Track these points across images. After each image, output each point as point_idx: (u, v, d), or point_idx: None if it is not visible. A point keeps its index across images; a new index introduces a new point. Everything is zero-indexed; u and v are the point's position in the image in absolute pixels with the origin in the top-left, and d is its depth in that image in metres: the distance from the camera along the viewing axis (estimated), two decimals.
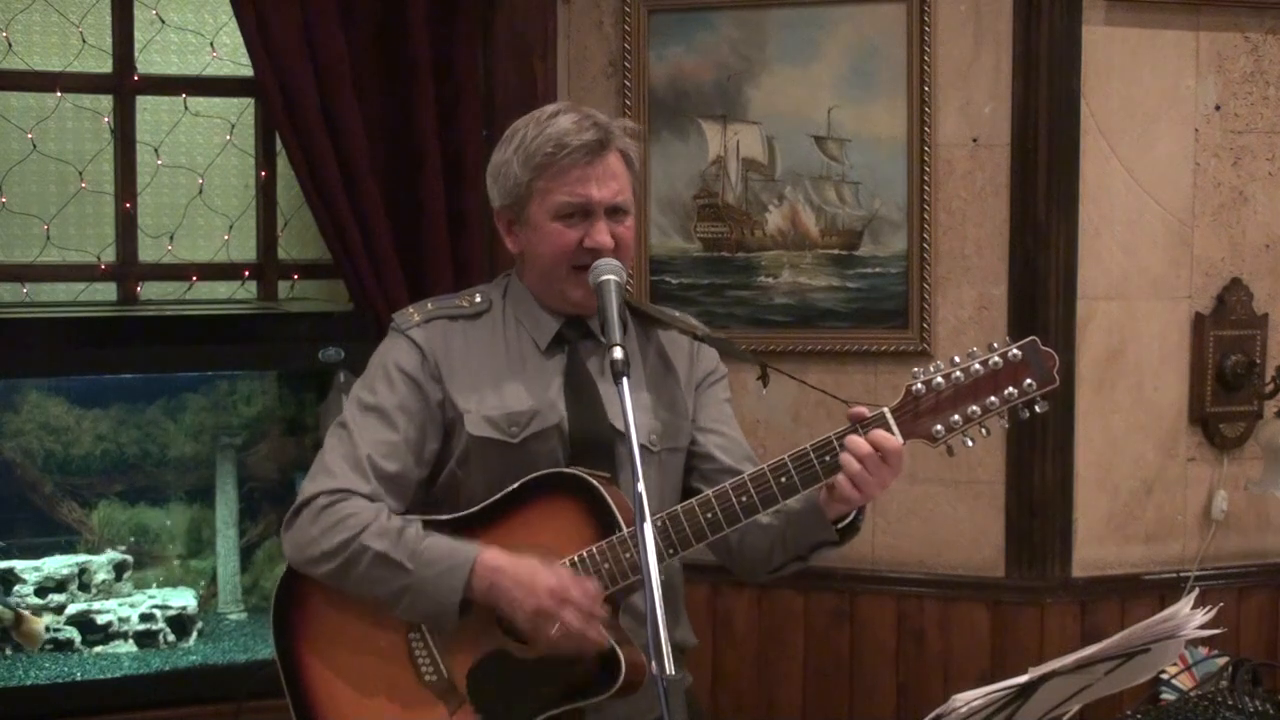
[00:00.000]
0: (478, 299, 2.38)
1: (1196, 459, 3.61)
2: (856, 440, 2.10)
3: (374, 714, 2.25)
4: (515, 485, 2.23)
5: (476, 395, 2.29)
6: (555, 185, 2.25)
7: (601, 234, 2.24)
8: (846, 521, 2.21)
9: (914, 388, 2.11)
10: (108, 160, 3.72)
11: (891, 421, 2.11)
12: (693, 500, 2.17)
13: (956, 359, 2.11)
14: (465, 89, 3.55)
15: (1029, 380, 2.09)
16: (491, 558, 2.17)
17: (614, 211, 2.26)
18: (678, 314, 2.46)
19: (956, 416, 2.10)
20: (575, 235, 2.25)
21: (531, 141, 2.26)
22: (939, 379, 2.09)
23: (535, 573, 2.13)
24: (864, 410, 2.13)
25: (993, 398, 2.09)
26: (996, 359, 2.09)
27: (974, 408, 2.09)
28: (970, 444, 2.12)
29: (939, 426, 2.10)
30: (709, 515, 2.14)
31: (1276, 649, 3.63)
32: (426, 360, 2.30)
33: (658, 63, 3.63)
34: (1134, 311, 3.55)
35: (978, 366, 2.09)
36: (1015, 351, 2.10)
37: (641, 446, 2.21)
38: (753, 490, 2.14)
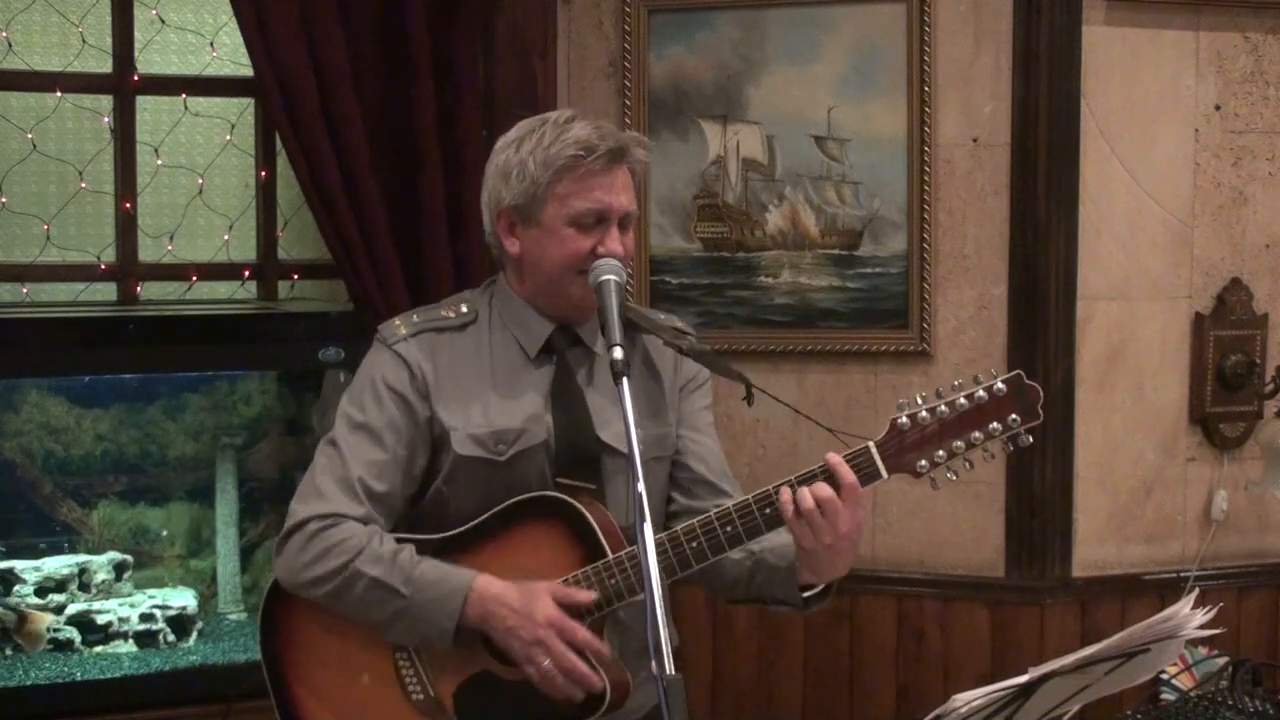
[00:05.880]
0: (464, 309, 2.36)
1: (1196, 459, 3.61)
2: (786, 493, 2.11)
3: None
4: (500, 508, 2.22)
5: (463, 413, 2.27)
6: (577, 190, 2.23)
7: (615, 242, 2.23)
8: (815, 591, 2.20)
9: (899, 421, 2.11)
10: (108, 160, 3.72)
11: (876, 456, 2.12)
12: (676, 529, 2.16)
13: (941, 391, 2.11)
14: (465, 89, 3.55)
15: (1013, 415, 2.08)
16: (487, 584, 2.16)
17: (623, 221, 2.26)
18: (662, 317, 2.44)
19: (940, 451, 2.10)
20: (588, 242, 2.23)
21: (552, 145, 2.23)
22: (924, 413, 2.09)
23: (534, 602, 2.13)
24: (833, 457, 2.12)
25: (976, 432, 2.09)
26: (981, 393, 2.08)
27: (957, 443, 2.09)
28: (954, 478, 2.13)
29: (923, 461, 2.10)
30: (694, 544, 2.14)
31: (1276, 649, 3.63)
32: (415, 377, 2.28)
33: (658, 63, 3.63)
34: (1134, 311, 3.55)
35: (962, 401, 2.09)
36: (1000, 386, 2.09)
37: (628, 457, 2.22)
38: (718, 527, 2.15)
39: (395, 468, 2.26)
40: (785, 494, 2.10)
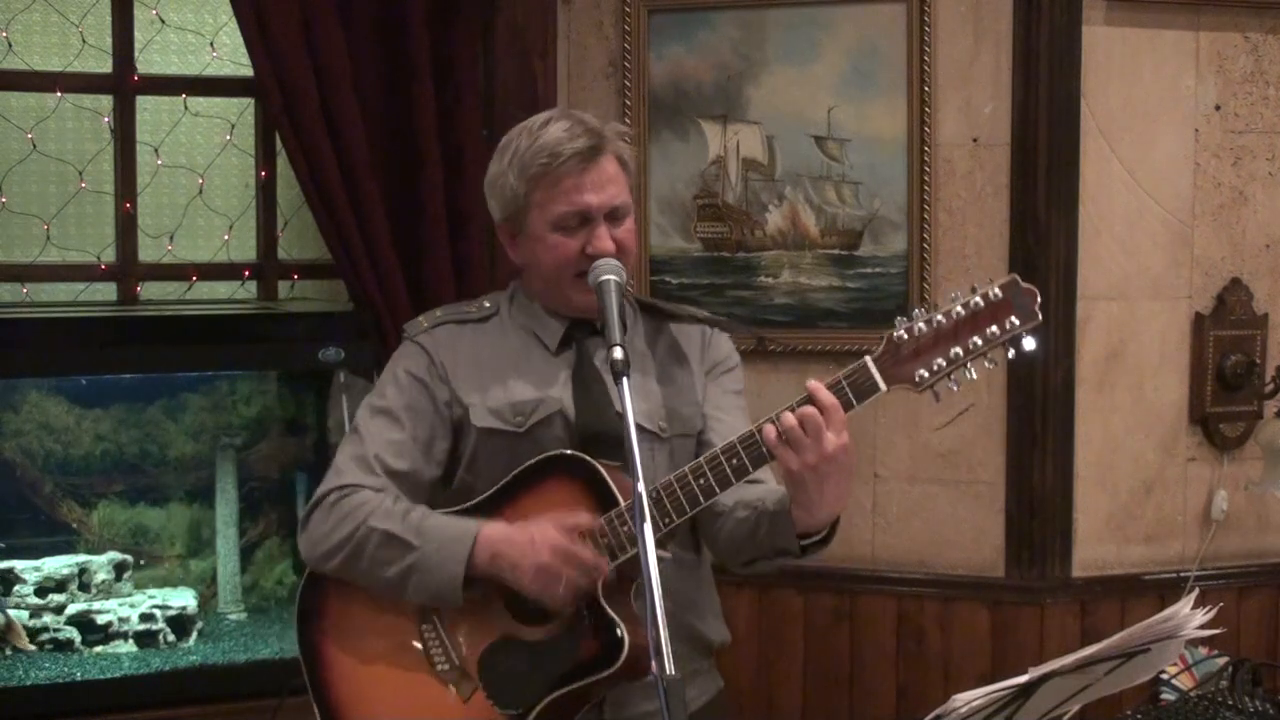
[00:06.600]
0: (485, 305, 2.42)
1: (1196, 459, 3.61)
2: (769, 426, 2.09)
3: (392, 707, 2.28)
4: (516, 471, 2.26)
5: (482, 391, 2.32)
6: (552, 196, 2.25)
7: (602, 240, 2.25)
8: (815, 539, 2.19)
9: (895, 335, 2.09)
10: (108, 160, 3.72)
11: (874, 369, 2.09)
12: (683, 469, 2.16)
13: (938, 304, 2.09)
14: (465, 89, 3.55)
15: (1012, 318, 2.06)
16: (493, 529, 2.20)
17: (612, 215, 2.27)
18: (690, 309, 2.48)
19: (940, 360, 2.07)
20: (576, 244, 2.26)
21: (525, 152, 2.27)
22: (920, 324, 2.07)
23: (536, 533, 2.16)
24: (815, 383, 2.10)
25: (976, 338, 2.06)
26: (978, 299, 2.06)
27: (956, 349, 2.06)
28: (955, 388, 2.09)
29: (922, 371, 2.08)
30: (702, 481, 2.14)
31: (1276, 649, 3.63)
32: (434, 363, 2.34)
33: (658, 63, 3.63)
34: (1134, 311, 3.55)
35: (959, 309, 2.06)
36: (996, 291, 2.06)
37: (651, 433, 2.29)
38: (724, 459, 2.13)
39: (414, 448, 2.32)
40: (768, 427, 2.10)
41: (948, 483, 3.55)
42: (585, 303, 2.27)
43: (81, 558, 3.52)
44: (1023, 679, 1.81)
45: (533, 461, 2.25)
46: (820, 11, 3.55)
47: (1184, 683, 3.35)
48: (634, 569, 2.14)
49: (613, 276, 2.20)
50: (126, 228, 3.70)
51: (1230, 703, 2.83)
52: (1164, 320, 3.57)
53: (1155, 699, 3.23)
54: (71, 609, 3.45)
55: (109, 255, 3.72)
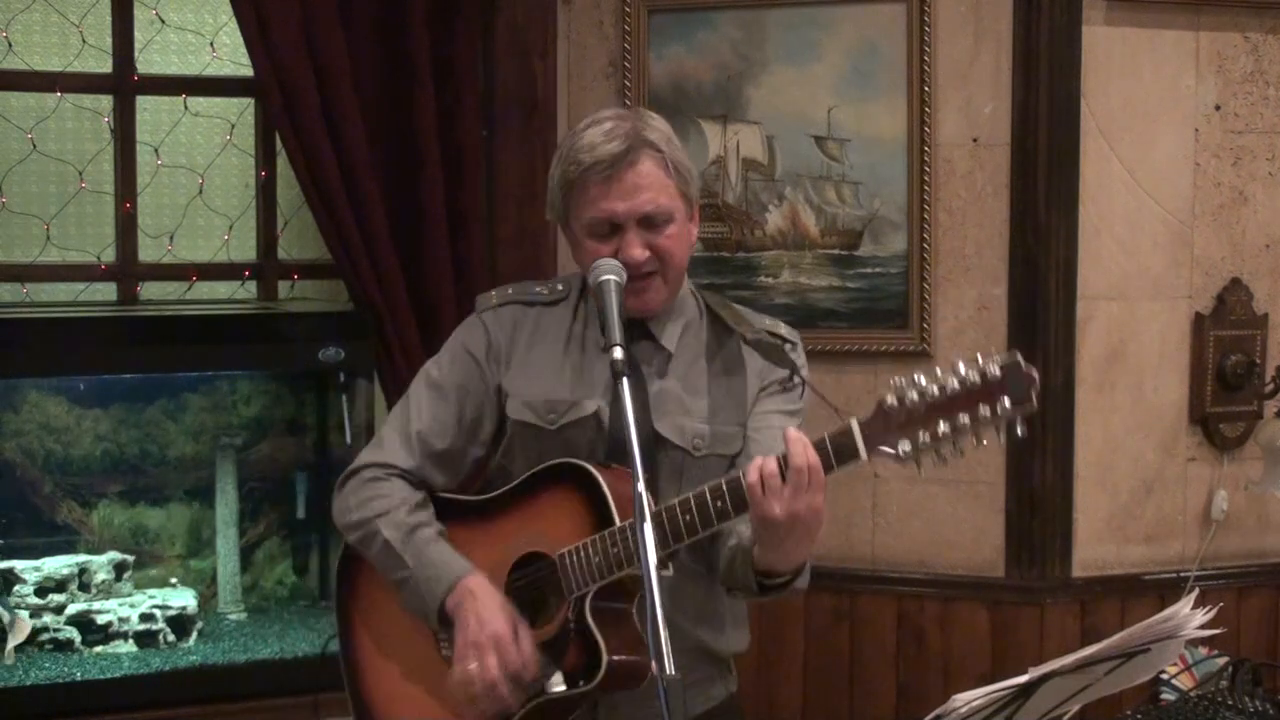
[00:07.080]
0: (559, 287, 2.39)
1: (1196, 459, 3.61)
2: (755, 464, 2.04)
3: (401, 681, 2.34)
4: (530, 473, 2.26)
5: (526, 381, 2.32)
6: (581, 203, 2.23)
7: (632, 248, 2.21)
8: (778, 581, 2.14)
9: (886, 401, 2.00)
10: (108, 160, 3.72)
11: (857, 434, 2.02)
12: (674, 500, 2.12)
13: (939, 371, 1.99)
14: (465, 89, 3.55)
15: (1004, 400, 1.94)
16: (473, 582, 2.21)
17: (647, 222, 2.22)
18: (767, 321, 2.42)
19: (925, 435, 1.97)
20: (609, 250, 2.22)
21: (562, 159, 2.26)
22: (912, 394, 1.97)
23: (494, 616, 2.17)
24: (792, 433, 2.03)
25: (964, 416, 1.95)
26: (975, 376, 1.96)
27: (943, 426, 1.96)
28: (941, 463, 2.00)
29: (905, 443, 1.98)
30: (687, 517, 2.10)
31: (1276, 649, 3.63)
32: (492, 344, 2.34)
33: (658, 63, 3.63)
34: (1134, 311, 3.55)
35: (954, 383, 1.96)
36: (994, 370, 1.95)
37: (684, 451, 2.26)
38: (710, 500, 2.08)
39: (459, 428, 2.34)
40: (752, 471, 2.04)
41: (948, 483, 3.55)
42: (633, 305, 2.23)
43: (81, 558, 3.52)
44: (1023, 679, 1.81)
45: (544, 466, 2.24)
46: (820, 11, 3.55)
47: (1184, 683, 3.35)
48: (634, 584, 2.14)
49: (612, 277, 2.17)
50: (126, 228, 3.70)
51: (1230, 703, 2.83)
52: (1164, 320, 3.57)
53: (1155, 699, 3.23)
54: (71, 609, 3.45)
55: (109, 255, 3.72)
